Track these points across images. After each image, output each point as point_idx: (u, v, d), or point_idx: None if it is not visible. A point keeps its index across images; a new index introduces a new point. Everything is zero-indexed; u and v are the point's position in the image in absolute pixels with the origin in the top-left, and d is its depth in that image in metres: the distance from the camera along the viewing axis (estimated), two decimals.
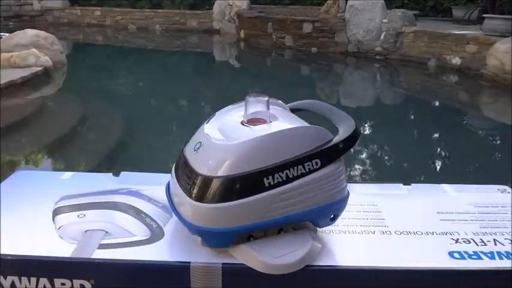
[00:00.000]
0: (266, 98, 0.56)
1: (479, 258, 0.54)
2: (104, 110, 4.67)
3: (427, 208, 0.66)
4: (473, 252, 0.55)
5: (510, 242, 0.57)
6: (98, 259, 0.53)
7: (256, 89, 5.93)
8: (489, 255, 0.55)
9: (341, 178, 0.54)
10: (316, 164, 0.52)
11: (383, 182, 0.75)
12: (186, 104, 5.69)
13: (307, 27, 8.08)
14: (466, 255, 0.54)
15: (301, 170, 0.52)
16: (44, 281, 0.52)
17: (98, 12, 11.69)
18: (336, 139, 0.54)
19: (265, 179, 0.50)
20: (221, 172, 0.51)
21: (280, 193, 0.51)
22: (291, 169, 0.51)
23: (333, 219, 0.57)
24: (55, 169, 3.42)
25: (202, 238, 0.53)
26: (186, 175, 0.53)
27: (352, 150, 0.56)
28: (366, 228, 0.60)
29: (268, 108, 0.56)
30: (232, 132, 0.54)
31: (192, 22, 10.83)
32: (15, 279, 0.52)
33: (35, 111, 4.40)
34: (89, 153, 3.57)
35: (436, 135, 4.57)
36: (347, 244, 0.57)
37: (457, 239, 0.58)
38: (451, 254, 0.55)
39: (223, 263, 0.52)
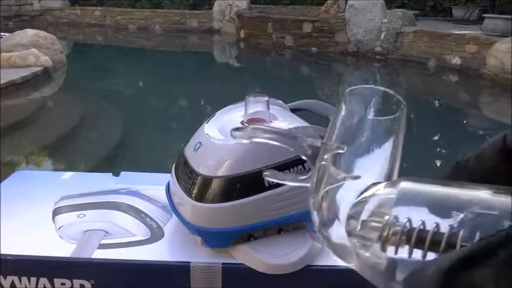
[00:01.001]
0: (266, 98, 0.56)
1: None
2: (104, 110, 4.67)
3: None
4: None
5: None
6: (98, 259, 0.53)
7: (256, 89, 5.93)
8: None
9: None
10: None
11: None
12: (186, 104, 5.69)
13: (307, 27, 8.08)
14: None
15: (301, 169, 0.52)
16: (44, 281, 0.52)
17: (98, 12, 11.68)
18: None
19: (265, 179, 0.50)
20: (221, 172, 0.51)
21: (280, 193, 0.51)
22: (291, 169, 0.51)
23: None
24: (55, 169, 3.42)
25: (202, 238, 0.53)
26: (186, 175, 0.53)
27: None
28: None
29: (268, 108, 0.56)
30: None
31: (192, 22, 10.83)
32: (15, 279, 0.52)
33: (35, 111, 4.40)
34: (89, 153, 3.57)
35: (436, 135, 4.57)
36: None
37: None
38: None
39: (223, 263, 0.52)
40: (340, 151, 0.28)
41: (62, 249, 0.54)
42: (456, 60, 6.51)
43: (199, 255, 0.53)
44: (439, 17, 9.23)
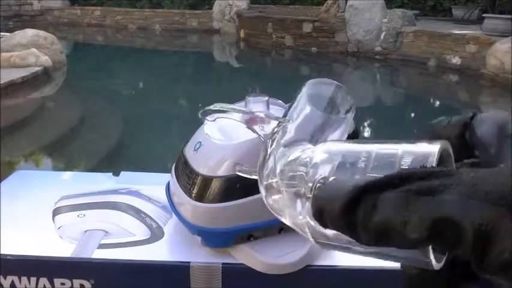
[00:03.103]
0: (266, 98, 0.56)
1: None
2: (103, 110, 4.68)
3: None
4: None
5: None
6: (98, 259, 0.53)
7: (256, 89, 5.93)
8: None
9: None
10: None
11: None
12: (186, 104, 5.70)
13: (307, 27, 8.08)
14: None
15: None
16: (44, 281, 0.52)
17: (98, 12, 11.69)
18: None
19: None
20: (221, 172, 0.50)
21: None
22: None
23: None
24: (55, 169, 3.42)
25: (202, 238, 0.53)
26: (186, 175, 0.53)
27: None
28: None
29: (268, 108, 0.55)
30: (232, 132, 0.54)
31: (192, 22, 10.84)
32: (15, 279, 0.52)
33: (35, 111, 4.40)
34: (89, 153, 3.57)
35: None
36: None
37: None
38: None
39: (223, 263, 0.52)
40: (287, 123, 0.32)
41: (61, 249, 0.54)
42: (456, 60, 6.51)
43: (199, 255, 0.53)
44: (439, 17, 9.24)
